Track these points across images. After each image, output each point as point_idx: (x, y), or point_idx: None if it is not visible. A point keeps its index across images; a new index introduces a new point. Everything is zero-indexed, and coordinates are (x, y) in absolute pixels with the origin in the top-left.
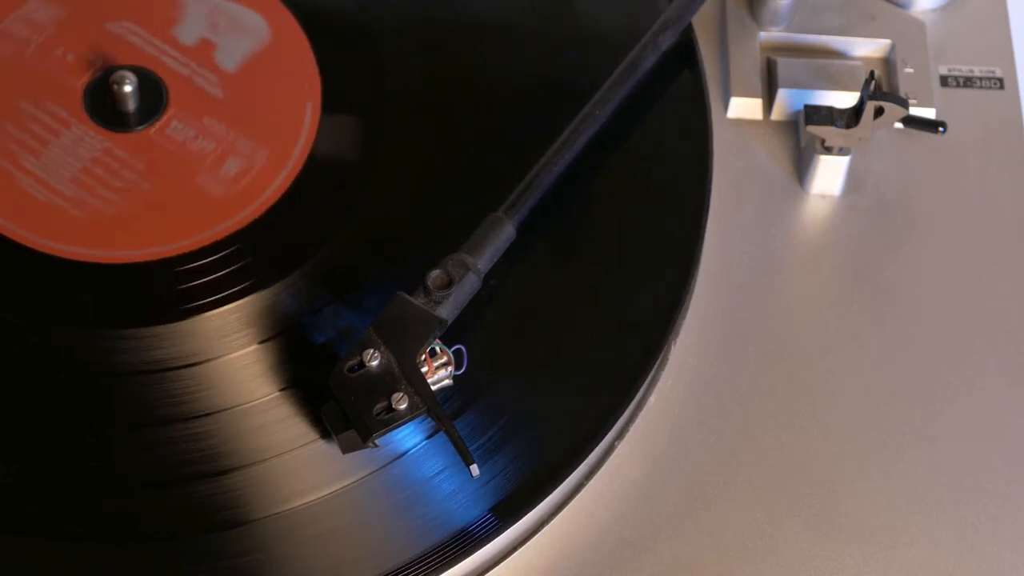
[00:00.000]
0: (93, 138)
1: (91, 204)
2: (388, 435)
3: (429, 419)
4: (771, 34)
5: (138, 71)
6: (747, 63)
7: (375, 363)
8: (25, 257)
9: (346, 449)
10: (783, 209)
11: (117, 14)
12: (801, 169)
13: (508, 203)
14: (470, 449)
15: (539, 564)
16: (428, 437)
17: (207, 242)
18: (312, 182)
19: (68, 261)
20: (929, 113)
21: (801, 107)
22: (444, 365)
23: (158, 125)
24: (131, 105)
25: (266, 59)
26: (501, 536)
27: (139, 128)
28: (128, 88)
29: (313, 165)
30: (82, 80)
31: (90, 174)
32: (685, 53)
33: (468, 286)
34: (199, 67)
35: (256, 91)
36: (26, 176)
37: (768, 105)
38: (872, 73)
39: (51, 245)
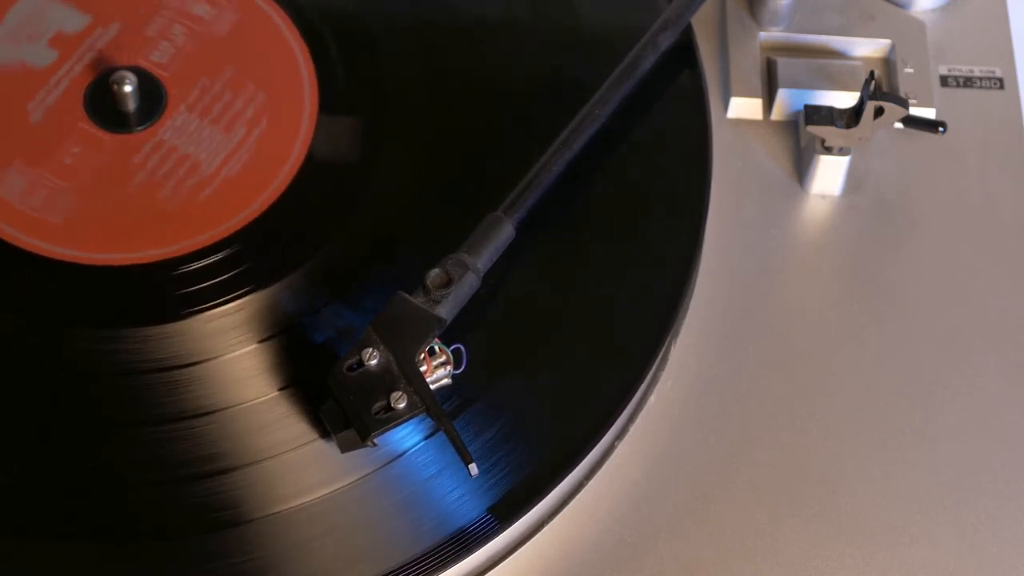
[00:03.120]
0: (92, 137)
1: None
2: (387, 434)
3: (428, 418)
4: (771, 34)
5: (138, 71)
6: (747, 63)
7: (374, 362)
8: (25, 257)
9: (345, 448)
10: (783, 209)
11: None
12: (801, 169)
13: (507, 203)
14: (469, 449)
15: (539, 564)
16: (427, 437)
17: (207, 243)
18: (311, 182)
19: (68, 263)
20: (929, 113)
21: (801, 107)
22: (443, 364)
23: (156, 126)
24: (131, 105)
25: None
26: (501, 536)
27: (138, 129)
28: (128, 88)
29: (312, 165)
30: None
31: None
32: (685, 53)
33: (467, 285)
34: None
35: (255, 89)
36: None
37: (768, 105)
38: (872, 73)
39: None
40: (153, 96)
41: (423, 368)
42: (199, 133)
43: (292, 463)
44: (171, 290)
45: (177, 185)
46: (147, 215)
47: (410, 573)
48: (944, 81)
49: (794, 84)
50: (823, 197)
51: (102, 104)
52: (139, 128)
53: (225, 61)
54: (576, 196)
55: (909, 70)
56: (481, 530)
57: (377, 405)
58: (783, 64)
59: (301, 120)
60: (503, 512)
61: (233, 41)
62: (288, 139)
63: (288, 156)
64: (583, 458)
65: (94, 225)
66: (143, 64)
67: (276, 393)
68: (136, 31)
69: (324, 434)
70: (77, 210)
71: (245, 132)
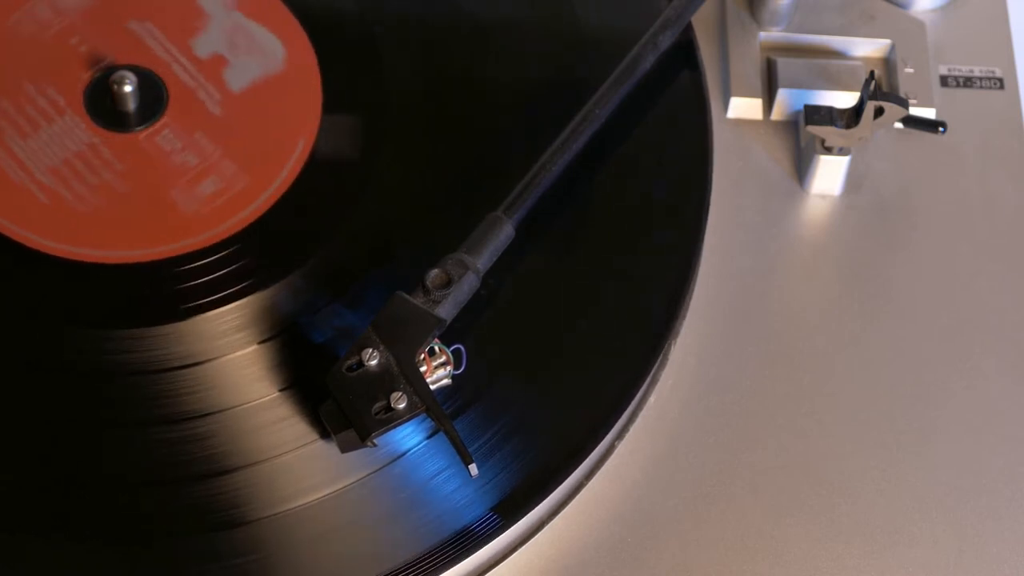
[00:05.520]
0: (83, 132)
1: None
2: (387, 434)
3: (428, 419)
4: (771, 34)
5: (140, 72)
6: (747, 63)
7: (374, 362)
8: (26, 255)
9: (345, 448)
10: (783, 209)
11: (142, 13)
12: (801, 169)
13: (507, 203)
14: (470, 449)
15: (539, 564)
16: (428, 437)
17: (208, 242)
18: (312, 182)
19: (68, 261)
20: (929, 113)
21: (801, 107)
22: (443, 364)
23: (150, 131)
24: (130, 105)
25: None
26: (501, 536)
27: (137, 129)
28: (128, 88)
29: (313, 165)
30: (87, 73)
31: (71, 167)
32: (685, 53)
33: (467, 285)
34: (205, 81)
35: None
36: (7, 156)
37: (768, 105)
38: (872, 73)
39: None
40: (154, 95)
41: (423, 368)
42: (201, 132)
43: (292, 464)
44: (172, 290)
45: (179, 184)
46: (148, 214)
47: (411, 573)
48: (944, 81)
49: (794, 84)
50: (823, 197)
51: (101, 102)
52: (137, 129)
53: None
54: (576, 196)
55: (909, 70)
56: (481, 530)
57: (377, 405)
58: (783, 64)
59: (303, 120)
60: (503, 512)
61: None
62: (290, 140)
63: (290, 156)
64: (583, 458)
65: (95, 224)
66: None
67: (276, 394)
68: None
69: (324, 434)
70: (78, 209)
71: (249, 131)
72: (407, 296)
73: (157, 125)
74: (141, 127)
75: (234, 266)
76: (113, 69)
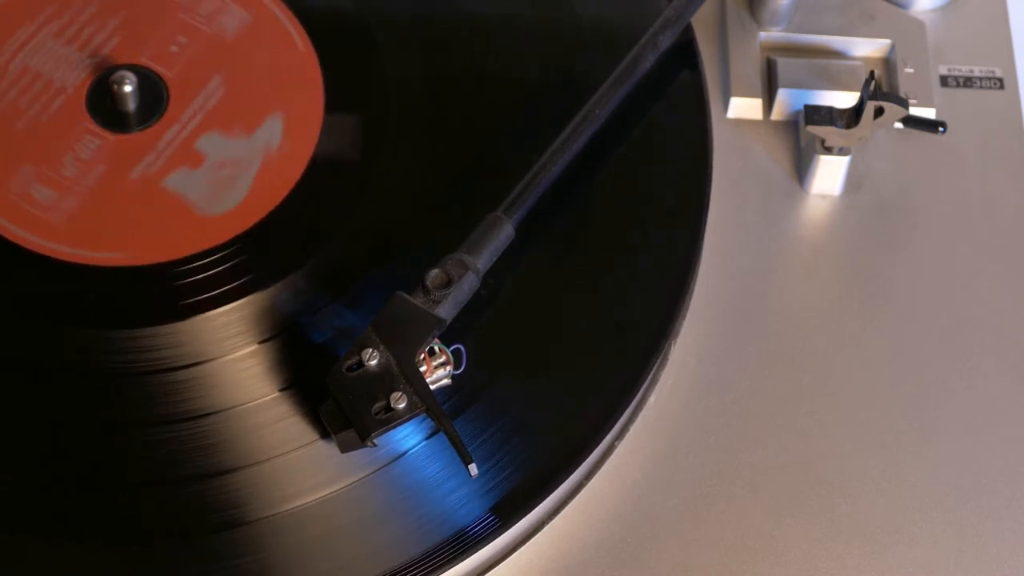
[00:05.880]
0: (92, 136)
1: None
2: (387, 434)
3: (428, 419)
4: (771, 34)
5: (140, 72)
6: (747, 63)
7: (374, 362)
8: (27, 256)
9: (345, 448)
10: (783, 209)
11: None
12: (801, 169)
13: (507, 203)
14: (470, 449)
15: (539, 564)
16: (427, 437)
17: (208, 243)
18: (313, 182)
19: (69, 262)
20: (929, 113)
21: (801, 107)
22: (443, 364)
23: (160, 125)
24: (130, 105)
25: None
26: (501, 536)
27: (138, 129)
28: (128, 88)
29: (314, 165)
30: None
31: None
32: (685, 53)
33: (467, 285)
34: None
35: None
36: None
37: (768, 105)
38: (872, 73)
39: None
40: (154, 96)
41: (423, 368)
42: (203, 131)
43: (292, 464)
44: (172, 290)
45: (180, 182)
46: (148, 214)
47: (411, 573)
48: (944, 81)
49: (794, 84)
50: (823, 197)
51: (102, 105)
52: (138, 129)
53: (229, 60)
54: (576, 196)
55: (909, 70)
56: (481, 530)
57: (377, 405)
58: (783, 64)
59: (305, 121)
60: (503, 512)
61: (239, 41)
62: (291, 139)
63: (291, 157)
64: (583, 458)
65: (96, 224)
66: (145, 63)
67: (276, 394)
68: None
69: (324, 434)
70: (80, 209)
71: (254, 105)
72: (407, 296)
73: (163, 122)
74: (141, 127)
75: (234, 266)
76: (113, 69)
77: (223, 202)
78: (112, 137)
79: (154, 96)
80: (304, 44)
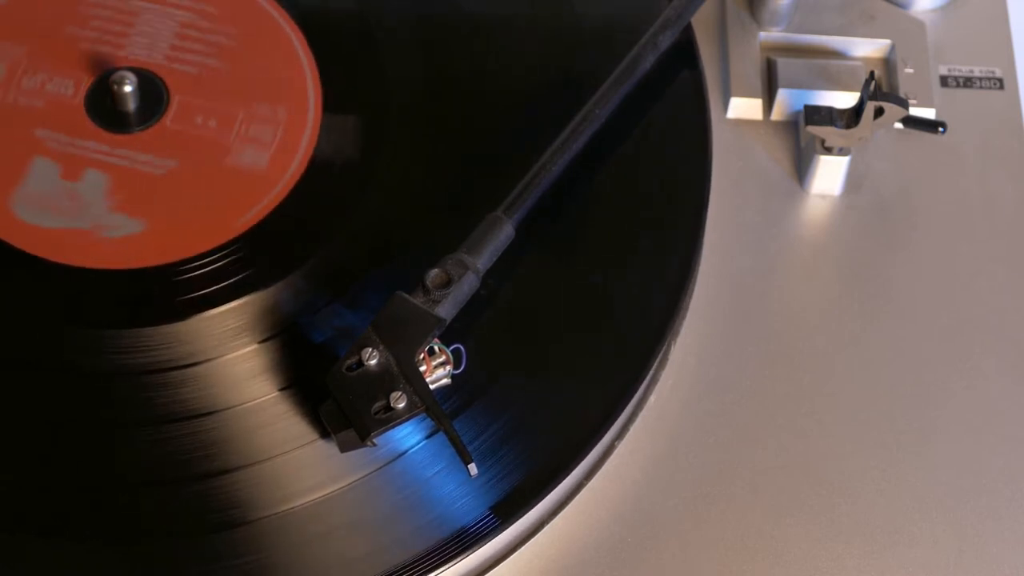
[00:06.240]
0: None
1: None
2: (387, 434)
3: (428, 418)
4: (771, 34)
5: (139, 73)
6: (747, 63)
7: (373, 362)
8: (26, 258)
9: (345, 448)
10: (783, 209)
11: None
12: (801, 169)
13: (507, 203)
14: (469, 449)
15: (539, 564)
16: (427, 437)
17: (207, 244)
18: (312, 182)
19: (69, 265)
20: (929, 113)
21: (801, 107)
22: (443, 364)
23: (158, 126)
24: (130, 106)
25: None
26: (501, 536)
27: (138, 129)
28: (128, 88)
29: (313, 165)
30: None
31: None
32: (685, 53)
33: (467, 285)
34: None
35: (256, 91)
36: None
37: (768, 105)
38: (872, 73)
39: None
40: (152, 92)
41: (423, 368)
42: (204, 129)
43: (292, 463)
44: (172, 290)
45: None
46: (149, 213)
47: (410, 573)
48: (944, 81)
49: (794, 84)
50: (823, 197)
51: (101, 105)
52: (138, 128)
53: (228, 60)
54: (576, 196)
55: (909, 70)
56: (481, 530)
57: (376, 405)
58: (783, 64)
59: (304, 121)
60: (503, 512)
61: (236, 41)
62: (292, 140)
63: (293, 157)
64: (583, 458)
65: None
66: (143, 63)
67: (276, 393)
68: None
69: (324, 434)
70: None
71: (253, 106)
72: (407, 296)
73: (164, 120)
74: (141, 127)
75: (235, 266)
76: (113, 70)
77: (237, 195)
78: (120, 138)
79: (154, 96)
80: (303, 45)
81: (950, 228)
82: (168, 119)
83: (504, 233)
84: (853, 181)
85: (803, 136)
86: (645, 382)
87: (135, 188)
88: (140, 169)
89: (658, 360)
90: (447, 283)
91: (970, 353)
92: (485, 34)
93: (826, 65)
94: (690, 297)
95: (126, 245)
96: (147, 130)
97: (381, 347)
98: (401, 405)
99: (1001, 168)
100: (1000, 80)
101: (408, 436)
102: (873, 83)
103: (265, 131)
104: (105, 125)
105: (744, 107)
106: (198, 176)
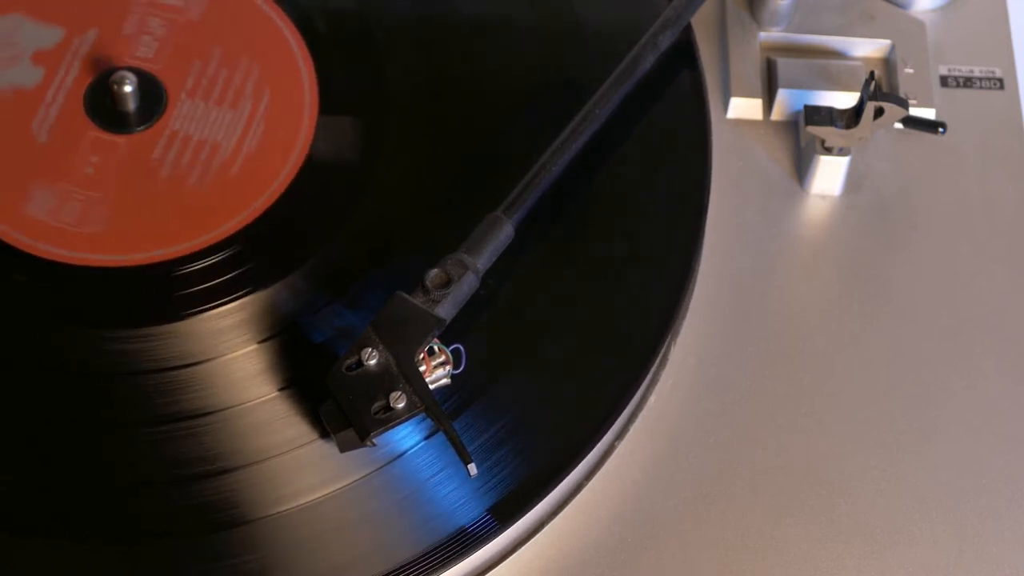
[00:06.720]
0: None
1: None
2: (386, 434)
3: (427, 418)
4: (771, 34)
5: (139, 73)
6: (747, 63)
7: (373, 362)
8: (26, 258)
9: (344, 448)
10: (783, 209)
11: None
12: (801, 169)
13: (507, 203)
14: (469, 449)
15: (539, 564)
16: (427, 437)
17: (207, 242)
18: (311, 182)
19: (69, 264)
20: (929, 113)
21: (801, 107)
22: (442, 364)
23: (163, 121)
24: (130, 105)
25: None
26: (501, 536)
27: (139, 129)
28: (128, 88)
29: (312, 165)
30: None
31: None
32: (685, 53)
33: (467, 285)
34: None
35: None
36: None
37: (768, 105)
38: (872, 73)
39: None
40: (152, 92)
41: (422, 368)
42: (207, 117)
43: (292, 463)
44: (171, 290)
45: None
46: (148, 214)
47: (410, 573)
48: (944, 81)
49: (794, 84)
50: (823, 197)
51: (101, 104)
52: (138, 128)
53: (213, 43)
54: (576, 196)
55: (909, 70)
56: (481, 530)
57: (376, 405)
58: (783, 64)
59: (301, 120)
60: (503, 512)
61: (215, 24)
62: (288, 139)
63: (289, 156)
64: (583, 458)
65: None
66: (131, 62)
67: (276, 393)
68: (114, 32)
69: (324, 434)
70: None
71: (252, 106)
72: (407, 296)
73: (162, 124)
74: (141, 127)
75: (234, 266)
76: (113, 69)
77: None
78: (124, 138)
79: (154, 96)
80: (301, 45)
81: (950, 228)
82: (168, 119)
83: (504, 233)
84: (853, 181)
85: (803, 136)
86: (645, 382)
87: (135, 188)
88: (140, 169)
89: (658, 360)
90: (447, 283)
91: (970, 353)
92: (485, 34)
93: (826, 65)
94: (690, 297)
95: (126, 244)
96: (147, 130)
97: (381, 347)
98: (401, 405)
99: (1001, 168)
100: (1000, 80)
101: (408, 436)
102: (873, 83)
103: (265, 131)
104: (105, 125)
105: (744, 107)
106: (198, 176)
